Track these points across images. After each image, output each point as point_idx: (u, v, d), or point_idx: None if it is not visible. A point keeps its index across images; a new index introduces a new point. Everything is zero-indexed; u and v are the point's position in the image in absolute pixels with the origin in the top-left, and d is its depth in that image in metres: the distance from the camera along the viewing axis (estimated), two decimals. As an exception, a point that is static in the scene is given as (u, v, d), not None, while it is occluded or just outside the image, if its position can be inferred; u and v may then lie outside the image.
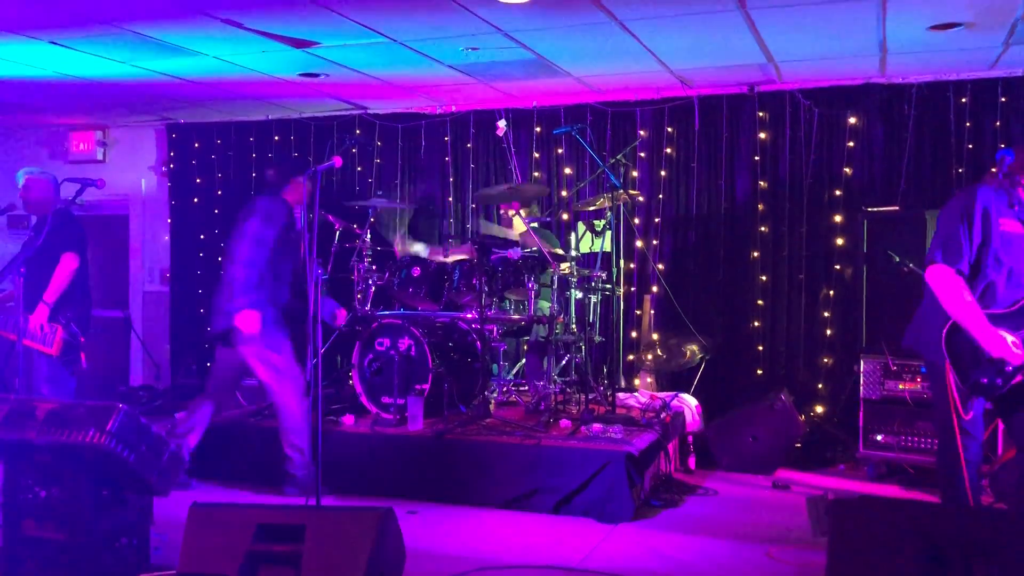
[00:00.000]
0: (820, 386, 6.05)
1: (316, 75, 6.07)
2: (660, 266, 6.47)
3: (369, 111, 7.21)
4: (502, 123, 6.68)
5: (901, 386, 5.17)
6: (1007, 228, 3.40)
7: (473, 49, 5.36)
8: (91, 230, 5.66)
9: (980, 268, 3.43)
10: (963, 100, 5.76)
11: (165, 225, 7.97)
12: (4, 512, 3.27)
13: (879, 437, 5.26)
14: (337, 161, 4.18)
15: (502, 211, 6.35)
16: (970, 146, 5.74)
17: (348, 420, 5.19)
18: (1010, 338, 3.32)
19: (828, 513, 2.94)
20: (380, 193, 6.61)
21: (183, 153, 7.85)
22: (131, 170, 8.09)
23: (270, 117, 7.48)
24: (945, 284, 3.42)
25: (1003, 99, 5.67)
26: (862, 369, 5.33)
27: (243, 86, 6.42)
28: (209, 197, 7.76)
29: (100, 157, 8.10)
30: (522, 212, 5.90)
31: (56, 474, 3.20)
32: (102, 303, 7.86)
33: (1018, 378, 3.34)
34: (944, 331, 3.43)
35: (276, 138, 7.50)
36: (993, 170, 3.48)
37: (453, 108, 7.00)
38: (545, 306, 5.56)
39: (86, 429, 3.09)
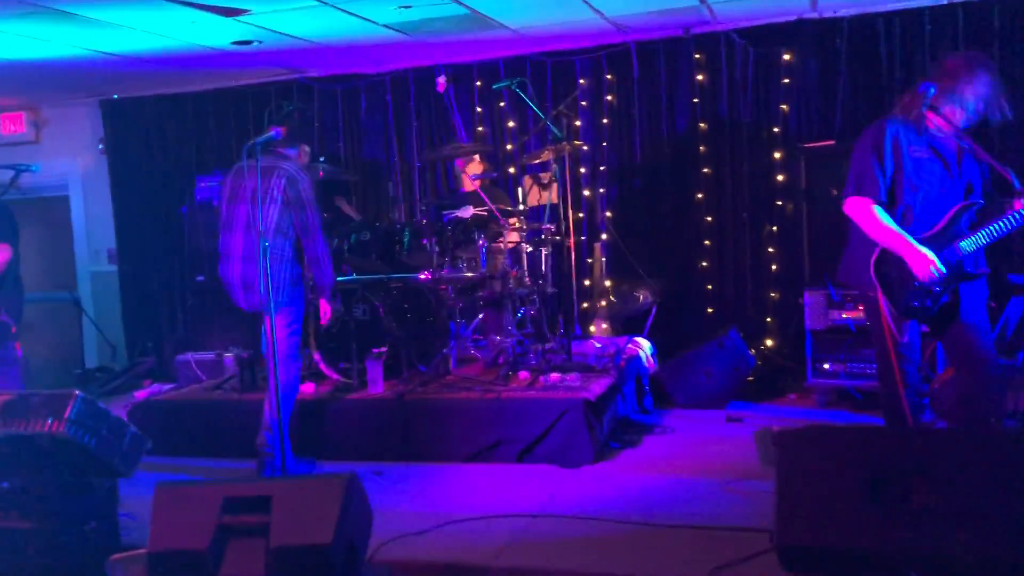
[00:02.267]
0: (768, 320, 6.22)
1: (250, 43, 5.98)
2: (608, 214, 6.55)
3: (307, 75, 7.13)
4: (442, 79, 6.67)
5: (844, 315, 5.34)
6: (918, 155, 3.52)
7: (406, 7, 5.32)
8: (31, 213, 5.57)
9: (896, 195, 3.54)
10: (892, 31, 5.86)
11: (108, 204, 7.83)
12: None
13: (826, 366, 5.45)
14: (277, 131, 4.14)
15: (453, 168, 6.36)
16: (901, 77, 5.85)
17: (308, 388, 5.23)
18: (931, 253, 3.45)
19: (774, 444, 3.06)
20: (323, 159, 6.57)
21: (120, 129, 7.70)
22: (68, 150, 7.91)
23: (207, 87, 7.35)
24: (865, 214, 3.53)
25: (930, 27, 5.78)
26: (806, 301, 5.49)
27: (175, 59, 6.30)
28: (151, 172, 7.64)
29: (33, 138, 7.92)
30: (468, 169, 5.93)
31: (17, 465, 3.22)
32: (49, 285, 7.76)
33: (946, 298, 3.50)
34: (872, 260, 3.56)
35: (214, 108, 7.39)
36: (904, 102, 3.59)
37: (392, 67, 6.94)
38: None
39: (44, 418, 3.10)
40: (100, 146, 7.80)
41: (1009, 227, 3.44)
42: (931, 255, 3.42)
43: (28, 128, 7.88)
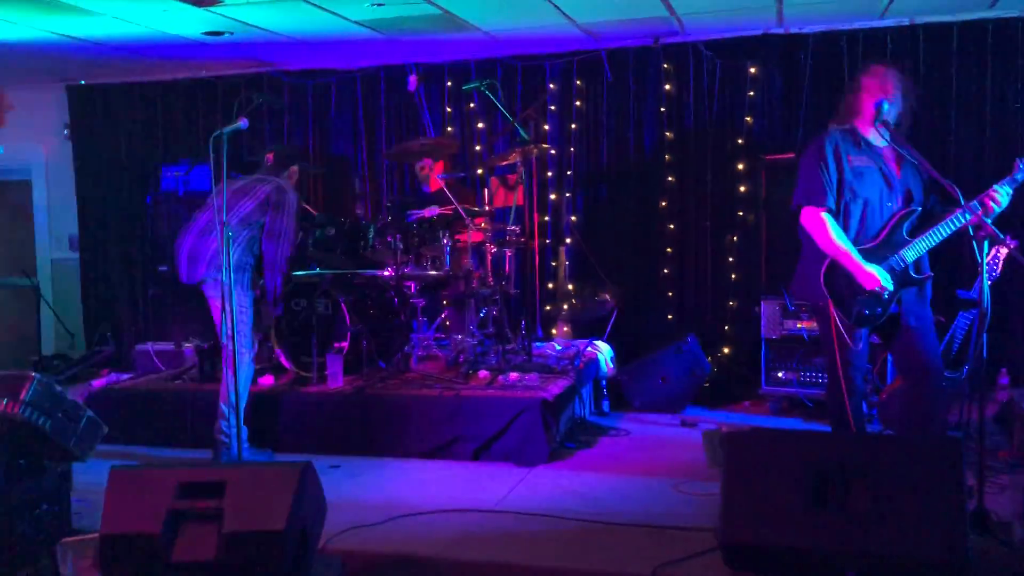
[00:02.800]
0: (726, 328, 6.33)
1: (221, 33, 5.98)
2: (573, 218, 6.62)
3: (278, 68, 7.13)
4: (413, 78, 6.71)
5: (798, 325, 5.47)
6: (858, 164, 3.66)
7: (379, 5, 5.35)
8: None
9: (839, 203, 3.68)
10: (855, 49, 6.01)
11: (71, 190, 7.76)
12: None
13: (780, 374, 5.56)
14: (244, 122, 4.19)
15: (417, 167, 6.39)
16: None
17: (268, 380, 5.24)
18: (878, 270, 3.57)
19: (722, 445, 3.14)
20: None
21: (87, 116, 7.63)
22: (32, 134, 7.83)
23: (176, 77, 7.32)
24: (816, 225, 3.66)
25: (891, 46, 5.93)
26: (762, 311, 5.60)
27: (145, 47, 6.28)
28: (115, 160, 7.58)
29: (-3, 121, 7.84)
30: (434, 168, 5.97)
31: (-32, 445, 3.20)
32: (8, 271, 7.67)
33: (894, 307, 3.62)
34: (822, 271, 3.68)
35: (183, 98, 7.36)
36: (840, 112, 3.76)
37: (363, 64, 6.96)
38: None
39: (-1, 399, 3.10)
40: (65, 131, 7.73)
41: (948, 231, 3.57)
42: (878, 272, 3.55)
43: (-9, 110, 7.79)
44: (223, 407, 4.52)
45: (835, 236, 3.62)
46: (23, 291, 7.75)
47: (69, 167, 7.73)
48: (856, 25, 6.01)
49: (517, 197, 5.98)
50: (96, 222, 7.67)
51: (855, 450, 3.02)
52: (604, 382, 5.86)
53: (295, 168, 5.00)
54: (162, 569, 2.72)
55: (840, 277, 3.64)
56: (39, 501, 3.34)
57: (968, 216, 3.48)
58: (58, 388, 3.25)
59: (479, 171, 6.76)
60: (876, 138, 3.69)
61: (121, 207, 7.56)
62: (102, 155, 7.61)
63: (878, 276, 3.55)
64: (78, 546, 3.11)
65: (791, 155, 5.91)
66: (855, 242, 3.64)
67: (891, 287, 3.56)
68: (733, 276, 6.31)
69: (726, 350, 6.30)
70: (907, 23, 5.93)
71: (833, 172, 3.65)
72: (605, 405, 5.84)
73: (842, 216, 3.66)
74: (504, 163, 6.04)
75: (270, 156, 4.94)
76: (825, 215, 3.63)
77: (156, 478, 2.87)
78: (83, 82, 7.55)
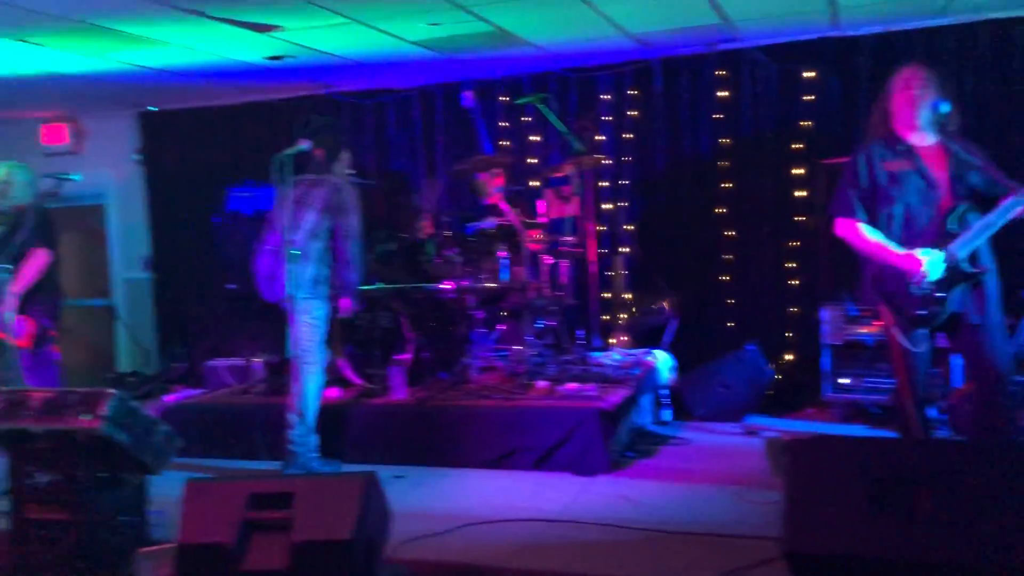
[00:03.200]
0: (788, 335, 6.26)
1: (282, 58, 6.16)
2: (629, 227, 6.63)
3: (338, 89, 7.30)
4: (468, 94, 6.80)
5: (862, 330, 5.39)
6: (892, 168, 3.62)
7: (434, 25, 5.46)
8: (69, 220, 5.74)
9: (877, 208, 3.66)
10: (914, 50, 5.91)
11: (143, 213, 8.05)
12: (11, 497, 3.42)
13: (844, 380, 5.49)
14: (305, 144, 4.33)
15: (478, 179, 6.47)
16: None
17: (334, 393, 5.36)
18: (922, 251, 3.51)
19: (784, 453, 3.12)
20: (352, 172, 6.71)
21: (157, 141, 7.92)
22: (106, 160, 8.13)
23: (240, 101, 7.55)
24: (848, 232, 3.70)
25: (953, 45, 5.82)
26: (824, 316, 5.53)
27: (210, 73, 6.50)
28: (184, 183, 7.84)
29: (74, 148, 8.15)
30: (491, 182, 6.04)
31: (56, 459, 3.36)
32: (84, 292, 7.98)
33: (955, 306, 3.53)
34: (871, 276, 3.66)
35: (247, 121, 7.58)
36: (872, 124, 3.76)
37: (420, 83, 7.09)
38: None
39: (80, 415, 3.24)
40: (136, 156, 8.03)
41: (1000, 221, 3.46)
42: (920, 253, 3.50)
43: (69, 138, 8.12)
44: (292, 417, 4.64)
45: (867, 235, 3.64)
46: (100, 311, 8.06)
47: (141, 191, 8.02)
48: (914, 25, 5.91)
49: (572, 208, 6.02)
50: (167, 243, 7.94)
51: (919, 456, 2.98)
52: (664, 391, 5.85)
53: (344, 156, 5.01)
54: (236, 577, 2.82)
55: (889, 279, 3.61)
56: (118, 512, 3.48)
57: (1021, 204, 3.40)
58: (135, 404, 3.39)
59: (534, 183, 6.81)
60: (919, 139, 3.64)
61: (190, 228, 7.82)
62: (171, 178, 7.89)
63: (917, 256, 3.50)
64: (156, 555, 3.24)
65: (849, 159, 5.85)
66: (904, 243, 3.60)
67: (935, 271, 3.49)
68: (794, 282, 6.25)
69: (788, 357, 6.24)
70: (968, 20, 5.81)
71: (864, 183, 3.66)
72: (665, 414, 5.83)
73: (885, 223, 3.63)
74: (559, 175, 6.10)
75: (319, 152, 4.90)
76: (857, 224, 3.67)
77: (229, 490, 2.98)
78: (153, 108, 7.83)
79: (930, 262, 3.50)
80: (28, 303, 5.16)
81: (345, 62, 6.36)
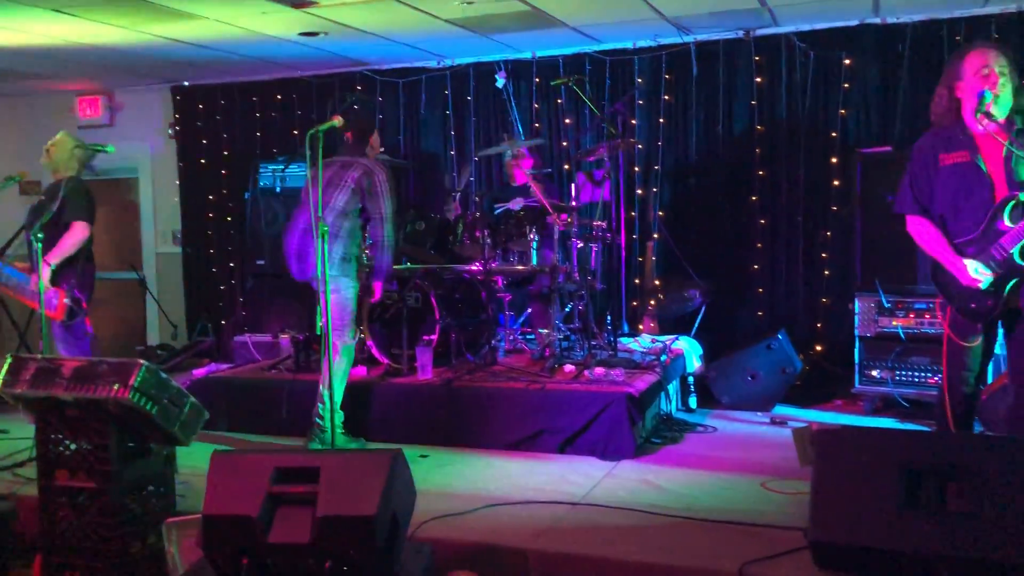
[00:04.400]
0: (819, 325, 6.20)
1: (315, 34, 6.16)
2: (660, 213, 6.58)
3: (370, 67, 7.29)
4: (501, 75, 6.77)
5: (894, 322, 5.32)
6: (948, 161, 3.53)
7: (468, 3, 5.43)
8: (101, 193, 5.78)
9: (934, 203, 3.60)
10: (957, 38, 5.79)
11: (175, 187, 8.11)
12: (38, 464, 3.47)
13: (874, 372, 5.42)
14: (338, 119, 4.31)
15: (506, 162, 6.45)
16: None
17: (360, 371, 5.38)
18: (973, 264, 3.46)
19: (812, 443, 3.09)
20: (383, 150, 6.71)
21: (189, 115, 7.96)
22: (139, 133, 8.20)
23: (273, 76, 7.57)
24: (912, 229, 3.67)
25: (996, 36, 5.69)
26: (857, 307, 5.46)
27: (245, 48, 6.51)
28: (216, 158, 7.89)
29: (108, 121, 8.22)
30: (521, 164, 6.02)
31: (85, 427, 3.39)
32: (115, 265, 8.06)
33: (1014, 304, 3.45)
34: (930, 269, 3.63)
35: (279, 97, 7.60)
36: (937, 111, 3.63)
37: (453, 61, 7.06)
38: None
39: (110, 384, 3.27)
40: (170, 131, 8.08)
41: None
42: (970, 266, 3.43)
43: (103, 112, 8.19)
44: (323, 391, 4.66)
45: (925, 236, 3.62)
46: (130, 284, 8.14)
47: (173, 165, 8.08)
48: (957, 13, 5.79)
49: (604, 192, 5.98)
50: (198, 217, 8.00)
51: (951, 450, 2.93)
52: (691, 378, 5.82)
53: (375, 137, 5.00)
54: (260, 550, 2.83)
55: (944, 273, 3.57)
56: (146, 482, 3.52)
57: None
58: (164, 375, 3.41)
59: (566, 166, 6.78)
60: (983, 127, 3.51)
61: (222, 203, 7.87)
62: (204, 153, 7.93)
63: (968, 269, 3.44)
64: (182, 526, 3.27)
65: (888, 148, 5.76)
66: (956, 236, 3.53)
67: (986, 279, 3.43)
68: (826, 272, 6.17)
69: (818, 347, 6.17)
70: (1014, 9, 5.68)
71: (920, 176, 3.61)
72: (692, 401, 5.79)
73: (942, 214, 3.57)
74: (591, 158, 6.06)
75: (349, 135, 4.91)
76: (917, 219, 3.64)
77: (255, 463, 2.98)
78: (187, 83, 7.87)
79: (976, 272, 3.44)
80: (61, 275, 5.21)
81: (378, 40, 6.34)
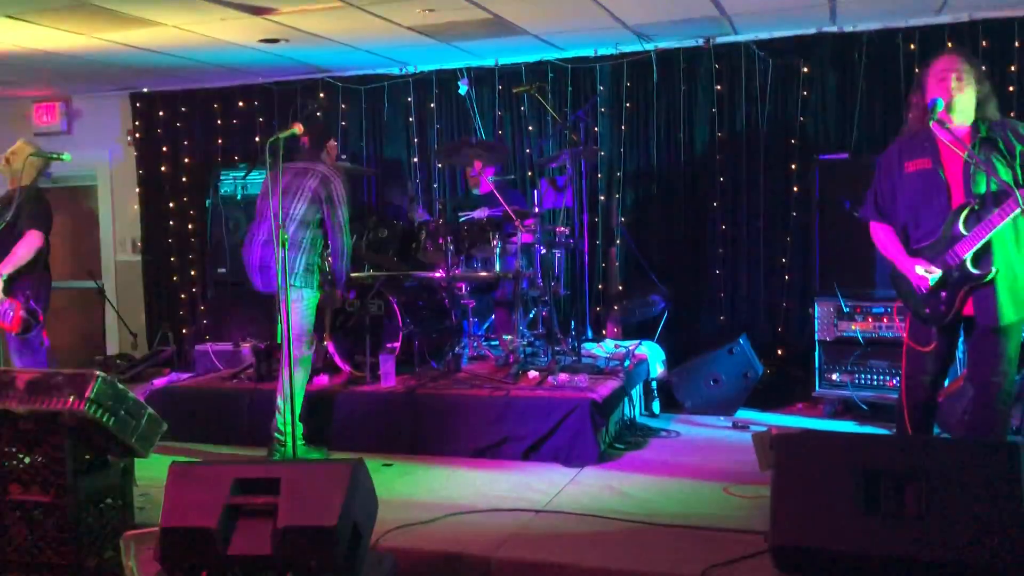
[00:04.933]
0: (780, 329, 6.27)
1: (276, 41, 6.11)
2: (623, 218, 6.62)
3: (332, 74, 7.25)
4: (464, 82, 6.77)
5: (853, 326, 5.40)
6: (912, 168, 3.59)
7: (430, 11, 5.42)
8: (59, 201, 5.70)
9: (897, 211, 3.68)
10: (911, 47, 5.90)
11: (134, 194, 8.00)
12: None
13: (834, 376, 5.50)
14: (299, 127, 4.30)
15: (468, 171, 6.45)
16: (919, 92, 5.87)
17: (322, 380, 5.34)
18: (920, 269, 3.53)
19: (772, 447, 3.12)
20: (344, 157, 6.68)
21: (149, 122, 7.86)
22: (97, 140, 8.08)
23: (234, 83, 7.50)
24: (873, 234, 3.77)
25: (949, 44, 5.81)
26: (816, 312, 5.53)
27: (205, 54, 6.44)
28: (176, 165, 7.79)
29: (65, 129, 8.09)
30: (484, 171, 6.02)
31: (40, 440, 3.33)
32: (74, 274, 7.93)
33: (968, 310, 3.51)
34: (889, 274, 3.71)
35: (240, 104, 7.53)
36: (909, 118, 3.68)
37: (415, 68, 7.05)
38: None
39: (65, 396, 3.21)
40: (128, 138, 7.97)
41: (996, 222, 3.38)
42: (918, 267, 3.51)
43: (60, 119, 8.05)
44: (280, 403, 4.62)
45: (883, 241, 3.72)
46: (89, 292, 8.01)
47: (133, 172, 7.97)
48: (912, 22, 5.90)
49: (567, 198, 6.00)
50: (158, 225, 7.89)
51: (908, 453, 2.98)
52: (654, 383, 5.85)
53: (332, 143, 5.00)
54: (219, 562, 2.80)
55: (900, 277, 3.65)
56: (104, 495, 3.46)
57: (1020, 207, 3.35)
58: (121, 386, 3.35)
59: (529, 173, 6.79)
60: (944, 133, 3.56)
61: (182, 211, 7.78)
62: (164, 160, 7.83)
63: (918, 270, 3.53)
64: (140, 539, 3.21)
65: (845, 155, 5.85)
66: (916, 242, 3.60)
67: (933, 277, 3.49)
68: (786, 277, 6.25)
69: (779, 352, 6.24)
70: (966, 19, 5.80)
71: (884, 183, 3.70)
72: (656, 406, 5.83)
73: (905, 221, 3.65)
74: (554, 164, 6.07)
75: (305, 140, 4.85)
76: (878, 224, 3.73)
77: (214, 474, 2.95)
78: (146, 89, 7.77)
79: (921, 271, 3.51)
80: (16, 285, 5.11)
81: (340, 47, 6.32)
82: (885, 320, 5.35)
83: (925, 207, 3.58)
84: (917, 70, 5.71)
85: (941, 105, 3.48)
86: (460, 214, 5.76)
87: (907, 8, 5.67)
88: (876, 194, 3.73)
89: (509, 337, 5.68)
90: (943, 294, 3.51)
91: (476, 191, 6.43)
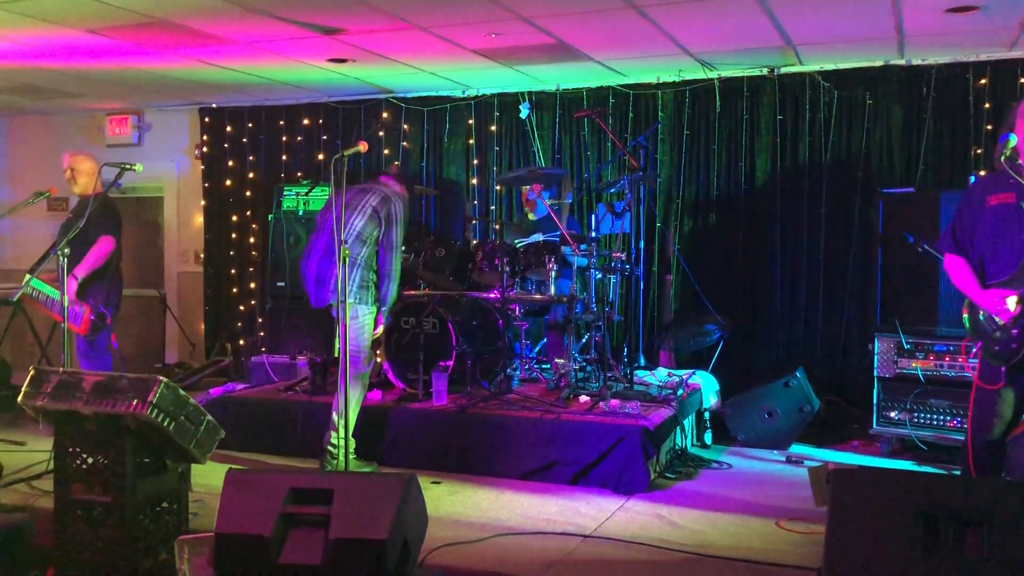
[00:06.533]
0: (837, 364, 6.15)
1: (344, 61, 6.24)
2: (679, 246, 6.58)
3: (395, 95, 7.37)
4: (525, 106, 6.83)
5: (914, 364, 5.27)
6: (994, 201, 3.54)
7: (496, 35, 5.49)
8: (125, 211, 5.86)
9: (975, 245, 3.61)
10: (982, 81, 5.80)
11: (199, 207, 8.20)
12: (55, 476, 3.49)
13: (892, 414, 5.37)
14: (363, 145, 4.37)
15: (525, 193, 6.49)
16: (988, 127, 5.76)
17: (375, 395, 5.39)
18: (1012, 299, 3.43)
19: (828, 482, 3.06)
20: (401, 178, 6.75)
21: (216, 136, 8.06)
22: (166, 153, 8.31)
23: (300, 101, 7.66)
24: (947, 267, 3.70)
25: (1022, 80, 5.70)
26: (876, 348, 5.43)
27: (273, 72, 6.60)
28: (241, 180, 7.97)
29: (136, 141, 8.33)
30: (543, 195, 6.05)
31: (101, 441, 3.42)
32: (138, 282, 8.14)
33: None
34: (963, 309, 3.62)
35: (305, 121, 7.68)
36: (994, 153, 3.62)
37: (477, 91, 7.13)
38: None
39: (129, 400, 3.30)
40: (196, 151, 8.18)
41: None
42: (1013, 296, 3.40)
43: (132, 131, 8.31)
44: (335, 419, 4.66)
45: (954, 272, 3.65)
46: (151, 301, 8.21)
47: (198, 185, 8.17)
48: (983, 56, 5.81)
49: (624, 224, 5.99)
50: (220, 238, 8.07)
51: (971, 494, 2.89)
52: (707, 414, 5.78)
53: (395, 163, 5.07)
54: (271, 570, 2.83)
55: (976, 312, 3.56)
56: (161, 498, 3.54)
57: None
58: (182, 392, 3.43)
59: (587, 198, 6.80)
60: (1009, 169, 3.51)
61: (244, 224, 7.94)
62: (229, 174, 8.02)
63: (1000, 298, 3.43)
64: (194, 543, 3.27)
65: (910, 189, 5.75)
66: (989, 276, 3.53)
67: (1012, 301, 3.40)
68: (846, 311, 6.15)
69: (836, 387, 6.12)
70: (1038, 55, 5.70)
71: (965, 216, 3.64)
72: (708, 437, 5.76)
73: (982, 255, 3.59)
74: (612, 190, 6.08)
75: (393, 168, 4.96)
76: (953, 257, 3.67)
77: (269, 482, 3.00)
78: (214, 104, 7.98)
79: (1012, 301, 3.42)
80: (88, 290, 5.27)
81: (405, 68, 6.42)
82: (947, 359, 5.22)
83: (1004, 241, 3.50)
84: (988, 105, 5.70)
85: (1014, 140, 3.42)
86: (517, 242, 5.77)
87: (979, 42, 5.57)
88: (955, 227, 3.67)
89: (561, 360, 5.67)
90: (1015, 332, 3.42)
91: (533, 215, 6.45)
